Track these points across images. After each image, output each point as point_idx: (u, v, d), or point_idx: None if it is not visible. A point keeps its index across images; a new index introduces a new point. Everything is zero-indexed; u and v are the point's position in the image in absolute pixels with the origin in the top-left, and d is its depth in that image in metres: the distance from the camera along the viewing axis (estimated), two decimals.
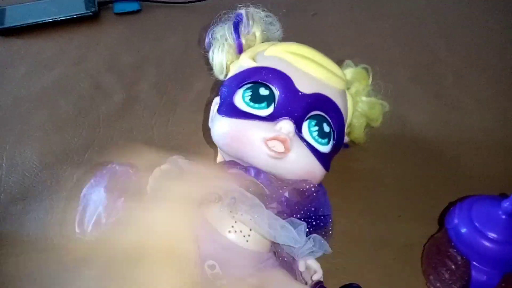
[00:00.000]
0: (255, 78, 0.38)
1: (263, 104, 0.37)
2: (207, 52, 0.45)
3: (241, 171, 0.36)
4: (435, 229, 0.42)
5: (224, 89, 0.40)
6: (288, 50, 0.40)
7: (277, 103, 0.37)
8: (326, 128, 0.38)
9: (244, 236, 0.34)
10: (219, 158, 0.41)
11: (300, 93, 0.37)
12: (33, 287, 0.38)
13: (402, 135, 0.53)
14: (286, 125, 0.36)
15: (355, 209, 0.45)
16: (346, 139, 0.44)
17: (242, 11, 0.43)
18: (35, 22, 0.69)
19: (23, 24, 0.69)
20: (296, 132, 0.36)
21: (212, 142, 0.40)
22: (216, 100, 0.42)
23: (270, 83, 0.38)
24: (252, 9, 0.44)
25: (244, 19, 0.43)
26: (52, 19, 0.70)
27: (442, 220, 0.40)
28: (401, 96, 0.58)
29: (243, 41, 0.43)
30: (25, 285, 0.38)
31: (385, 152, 0.51)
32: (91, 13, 0.72)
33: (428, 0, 0.77)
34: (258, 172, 0.36)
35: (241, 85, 0.39)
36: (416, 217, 0.44)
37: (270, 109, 0.37)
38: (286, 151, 0.35)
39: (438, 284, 0.37)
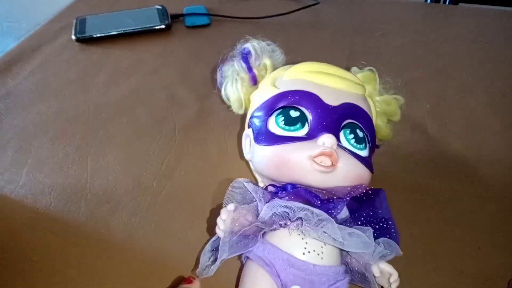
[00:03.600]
0: (283, 103, 0.40)
1: (298, 125, 0.39)
2: (220, 91, 0.48)
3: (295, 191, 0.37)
4: None
5: (255, 120, 0.42)
6: (305, 70, 0.42)
7: (311, 121, 0.39)
8: (360, 134, 0.40)
9: (318, 254, 0.35)
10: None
11: (329, 107, 0.39)
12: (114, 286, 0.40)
13: (478, 162, 0.52)
14: (328, 139, 0.37)
15: (432, 236, 0.44)
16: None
17: (248, 44, 0.47)
18: (113, 32, 0.73)
19: (103, 34, 0.73)
20: (337, 144, 0.38)
21: None
22: (248, 132, 0.43)
23: (299, 105, 0.40)
24: (255, 41, 0.47)
25: (252, 52, 0.46)
26: (129, 30, 0.74)
27: None
28: (475, 124, 0.56)
29: (256, 72, 0.46)
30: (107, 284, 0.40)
31: (462, 180, 0.50)
32: (164, 26, 0.75)
33: (504, 26, 0.75)
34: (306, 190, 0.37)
35: (270, 112, 0.41)
36: (497, 249, 0.43)
37: (306, 129, 0.39)
38: (334, 163, 0.37)
39: None
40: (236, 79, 0.46)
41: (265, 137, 0.40)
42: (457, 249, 0.43)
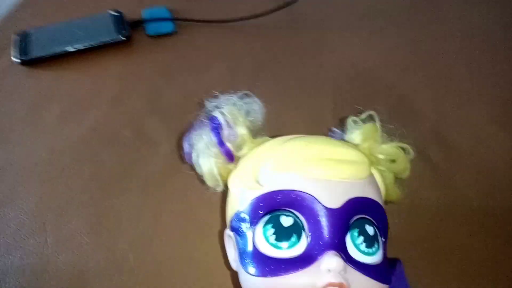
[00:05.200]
0: (270, 206, 0.32)
1: (293, 239, 0.31)
2: (189, 162, 0.39)
3: None
4: None
5: (237, 226, 0.33)
6: (293, 158, 0.33)
7: (309, 231, 0.31)
8: (370, 230, 0.32)
9: None
10: None
11: (331, 211, 0.31)
12: None
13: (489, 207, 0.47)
14: (333, 263, 0.29)
15: None
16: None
17: (216, 113, 0.37)
18: (63, 51, 0.62)
19: (50, 54, 0.62)
20: (344, 261, 0.30)
21: None
22: (229, 234, 0.35)
23: (291, 209, 0.31)
24: (225, 107, 0.37)
25: (223, 123, 0.37)
26: (82, 46, 0.63)
27: None
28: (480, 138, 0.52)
29: (230, 147, 0.36)
30: None
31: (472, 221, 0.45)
32: (123, 38, 0.65)
33: (501, 23, 0.69)
34: None
35: (256, 220, 0.32)
36: None
37: (303, 242, 0.31)
38: None
39: None
40: (208, 154, 0.37)
41: (254, 261, 0.31)
42: None
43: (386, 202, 0.41)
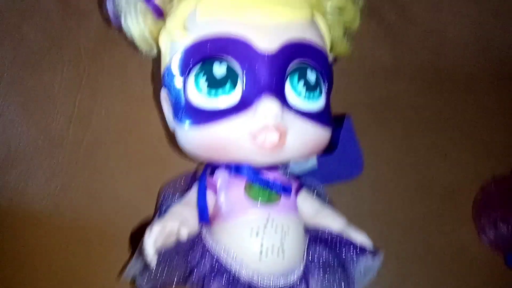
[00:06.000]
0: (201, 54, 0.29)
1: (227, 86, 0.28)
2: (116, 25, 0.35)
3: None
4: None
5: (169, 81, 0.31)
6: (222, 2, 0.29)
7: (244, 78, 0.28)
8: (312, 76, 0.30)
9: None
10: None
11: (266, 55, 0.28)
12: None
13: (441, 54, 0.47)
14: (270, 108, 0.27)
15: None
16: (330, 56, 0.36)
17: None
18: None
19: None
20: (283, 106, 0.28)
21: None
22: (164, 94, 0.32)
23: (223, 55, 0.28)
24: None
25: None
26: None
27: None
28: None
29: (157, 1, 0.32)
30: None
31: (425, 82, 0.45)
32: None
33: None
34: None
35: (187, 70, 0.29)
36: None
37: (239, 89, 0.28)
38: (282, 138, 0.28)
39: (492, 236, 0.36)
40: (134, 12, 0.32)
41: (187, 113, 0.29)
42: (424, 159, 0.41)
43: (336, 58, 0.39)
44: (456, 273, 0.38)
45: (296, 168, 0.37)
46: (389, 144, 0.41)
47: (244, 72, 0.28)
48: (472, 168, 0.40)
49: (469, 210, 0.39)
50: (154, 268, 0.27)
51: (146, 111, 0.41)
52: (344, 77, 0.44)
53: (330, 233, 0.31)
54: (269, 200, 0.30)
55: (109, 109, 0.41)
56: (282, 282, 0.28)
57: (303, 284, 0.29)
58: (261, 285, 0.28)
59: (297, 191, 0.33)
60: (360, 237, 0.31)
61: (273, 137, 0.28)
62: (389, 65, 0.46)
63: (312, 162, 0.37)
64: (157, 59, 0.36)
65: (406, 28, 0.48)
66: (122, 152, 0.39)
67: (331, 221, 0.32)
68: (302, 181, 0.35)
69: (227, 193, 0.30)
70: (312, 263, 0.30)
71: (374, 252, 0.31)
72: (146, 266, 0.28)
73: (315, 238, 0.31)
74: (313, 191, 0.35)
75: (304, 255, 0.30)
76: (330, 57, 0.36)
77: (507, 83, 0.45)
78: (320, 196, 0.35)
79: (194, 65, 0.29)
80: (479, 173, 0.40)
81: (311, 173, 0.38)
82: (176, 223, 0.27)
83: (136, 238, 0.31)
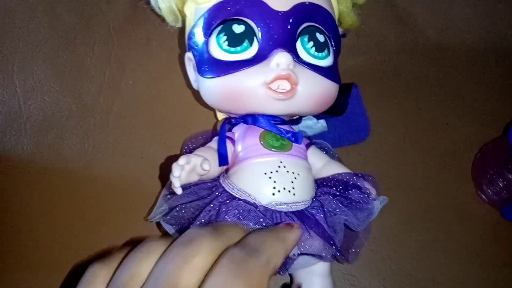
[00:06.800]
0: (222, 16, 0.33)
1: (245, 44, 0.32)
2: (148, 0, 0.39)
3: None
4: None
5: (193, 43, 0.35)
6: None
7: (260, 36, 0.32)
8: (321, 38, 0.34)
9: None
10: (220, 115, 0.39)
11: (280, 13, 0.32)
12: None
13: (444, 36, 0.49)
14: (282, 58, 0.31)
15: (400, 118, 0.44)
16: (340, 30, 0.39)
17: None
18: None
19: None
20: (294, 60, 0.32)
21: None
22: (189, 56, 0.36)
23: (241, 16, 0.32)
24: None
25: None
26: None
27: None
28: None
29: None
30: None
31: (427, 57, 0.48)
32: None
33: None
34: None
35: (209, 31, 0.33)
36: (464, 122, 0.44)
37: (255, 46, 0.32)
38: (294, 86, 0.32)
39: (490, 192, 0.38)
40: None
41: (209, 66, 0.33)
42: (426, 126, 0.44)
43: (345, 33, 0.42)
44: (455, 228, 0.40)
45: (307, 130, 0.40)
46: (394, 112, 0.44)
47: (260, 30, 0.32)
48: (472, 134, 0.43)
49: (468, 171, 0.41)
50: (178, 205, 0.31)
51: (168, 80, 0.44)
52: (352, 52, 0.48)
53: (338, 176, 0.34)
54: (281, 148, 0.33)
55: (135, 79, 0.45)
56: (296, 207, 0.31)
57: (317, 203, 0.32)
58: (276, 209, 0.31)
59: (308, 146, 0.36)
60: (365, 183, 0.34)
61: (285, 84, 0.31)
62: (395, 42, 0.49)
63: (322, 124, 0.40)
64: (181, 29, 0.40)
65: (411, 8, 0.51)
66: (147, 117, 0.43)
67: (338, 171, 0.35)
68: (312, 141, 0.38)
69: (244, 142, 0.34)
70: (322, 196, 0.33)
71: (376, 198, 0.33)
72: (171, 206, 0.32)
73: (324, 182, 0.34)
74: (323, 150, 0.38)
75: (314, 195, 0.33)
76: (340, 29, 0.39)
77: (506, 59, 0.48)
78: (329, 154, 0.38)
79: (216, 26, 0.33)
80: (478, 139, 0.42)
81: (321, 135, 0.41)
82: (200, 158, 0.30)
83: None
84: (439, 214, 0.40)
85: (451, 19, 0.51)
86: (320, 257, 0.30)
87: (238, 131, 0.35)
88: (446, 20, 0.51)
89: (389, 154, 0.42)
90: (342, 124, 0.42)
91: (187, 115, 0.43)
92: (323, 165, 0.36)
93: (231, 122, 0.36)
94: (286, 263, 0.29)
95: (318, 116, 0.39)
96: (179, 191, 0.30)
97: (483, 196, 0.39)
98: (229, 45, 0.32)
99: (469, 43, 0.49)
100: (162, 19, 0.40)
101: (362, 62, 0.48)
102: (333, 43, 0.35)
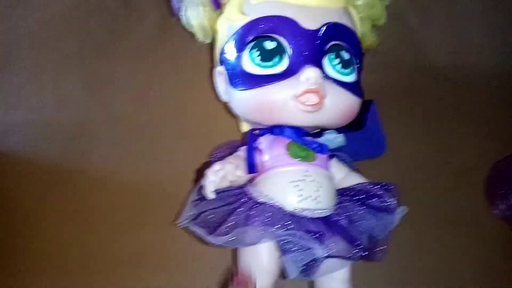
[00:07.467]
0: (255, 33, 0.35)
1: (276, 59, 0.35)
2: (179, 17, 0.41)
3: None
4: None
5: (226, 57, 0.37)
6: None
7: (290, 52, 0.35)
8: (346, 56, 0.37)
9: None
10: (244, 127, 0.41)
11: (309, 32, 0.35)
12: None
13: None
14: (311, 73, 0.34)
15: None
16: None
17: None
18: None
19: None
20: (322, 75, 0.34)
21: None
22: (219, 70, 0.39)
23: (273, 33, 0.35)
24: None
25: None
26: None
27: None
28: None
29: None
30: None
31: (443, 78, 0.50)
32: None
33: None
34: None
35: (242, 47, 0.36)
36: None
37: (286, 62, 0.35)
38: (321, 100, 0.34)
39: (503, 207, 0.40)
40: (195, 3, 0.39)
41: (242, 80, 0.35)
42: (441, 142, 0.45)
43: (364, 52, 0.44)
44: (467, 241, 0.41)
45: (327, 144, 0.42)
46: (411, 129, 0.46)
47: (290, 46, 0.34)
48: (485, 151, 0.44)
49: (481, 187, 0.43)
50: (207, 210, 0.32)
51: (194, 92, 0.47)
52: (370, 71, 0.50)
53: (360, 186, 0.36)
54: (306, 158, 0.35)
55: (162, 91, 0.47)
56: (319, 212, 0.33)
57: (340, 209, 0.34)
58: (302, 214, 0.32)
59: (329, 157, 0.38)
60: (385, 194, 0.36)
61: (314, 98, 0.34)
62: (410, 62, 0.51)
63: (341, 138, 0.42)
64: (208, 45, 0.42)
65: (426, 30, 0.53)
66: (173, 127, 0.45)
67: (359, 181, 0.37)
68: (333, 153, 0.40)
69: (271, 152, 0.36)
70: (345, 203, 0.35)
71: (397, 207, 0.35)
72: (199, 211, 0.33)
73: (346, 191, 0.36)
74: (343, 162, 0.40)
75: (336, 203, 0.35)
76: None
77: None
78: (349, 165, 0.40)
79: (249, 42, 0.35)
80: (491, 155, 0.44)
81: (340, 148, 0.43)
82: (233, 165, 0.32)
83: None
84: (452, 228, 0.42)
85: (464, 40, 0.53)
86: (347, 258, 0.31)
87: (264, 141, 0.37)
88: (459, 40, 0.53)
89: (405, 168, 0.44)
90: (359, 139, 0.43)
91: (211, 126, 0.45)
92: (344, 175, 0.38)
93: (258, 133, 0.37)
94: (314, 267, 0.31)
95: (338, 130, 0.41)
96: (212, 195, 0.32)
97: (495, 210, 0.41)
98: (261, 60, 0.35)
99: (482, 63, 0.51)
100: (191, 35, 0.42)
101: (379, 79, 0.50)
102: (357, 61, 0.37)
